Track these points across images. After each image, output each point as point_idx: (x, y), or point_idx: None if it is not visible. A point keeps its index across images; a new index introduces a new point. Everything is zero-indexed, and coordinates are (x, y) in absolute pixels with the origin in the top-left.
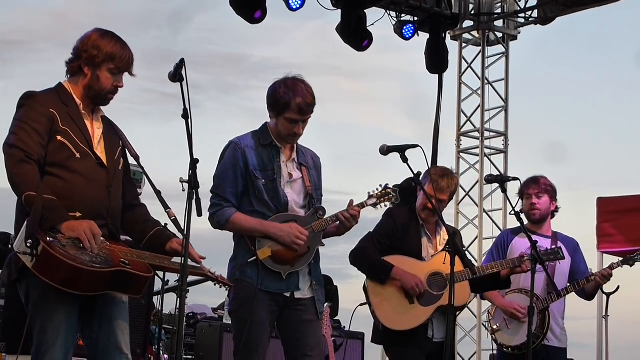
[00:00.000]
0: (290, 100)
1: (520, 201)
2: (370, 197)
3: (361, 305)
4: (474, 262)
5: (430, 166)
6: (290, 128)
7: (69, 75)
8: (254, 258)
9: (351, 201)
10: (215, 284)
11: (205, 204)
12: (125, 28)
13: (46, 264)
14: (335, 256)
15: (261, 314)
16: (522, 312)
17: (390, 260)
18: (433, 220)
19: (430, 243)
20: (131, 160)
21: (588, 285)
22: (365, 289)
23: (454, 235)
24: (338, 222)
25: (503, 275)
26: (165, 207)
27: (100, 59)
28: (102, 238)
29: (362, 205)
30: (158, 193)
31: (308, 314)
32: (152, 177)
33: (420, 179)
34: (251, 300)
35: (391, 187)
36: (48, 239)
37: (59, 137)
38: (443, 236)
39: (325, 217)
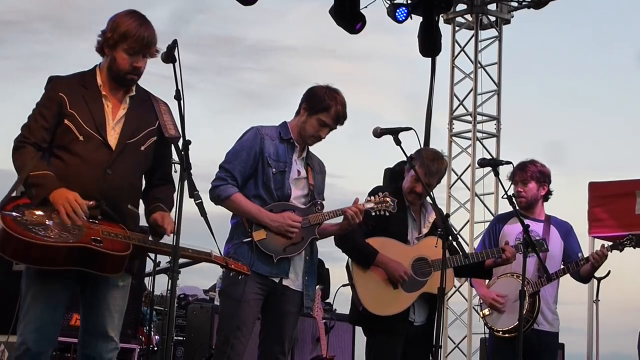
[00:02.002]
0: (332, 105)
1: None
2: (368, 201)
3: (343, 286)
4: (465, 246)
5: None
6: (318, 130)
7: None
8: (249, 239)
9: (356, 199)
10: (227, 272)
11: (198, 185)
12: (120, 9)
13: (1, 237)
14: (326, 239)
15: (251, 294)
16: (501, 301)
17: (375, 243)
18: (419, 203)
19: (414, 226)
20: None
21: (583, 267)
22: (348, 268)
23: (447, 217)
24: (338, 223)
25: (487, 264)
26: (191, 190)
27: (115, 39)
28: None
29: (361, 207)
30: (189, 175)
31: (291, 305)
32: None
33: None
34: (241, 280)
35: (390, 197)
36: (13, 213)
37: (65, 121)
38: (429, 219)
39: (324, 211)
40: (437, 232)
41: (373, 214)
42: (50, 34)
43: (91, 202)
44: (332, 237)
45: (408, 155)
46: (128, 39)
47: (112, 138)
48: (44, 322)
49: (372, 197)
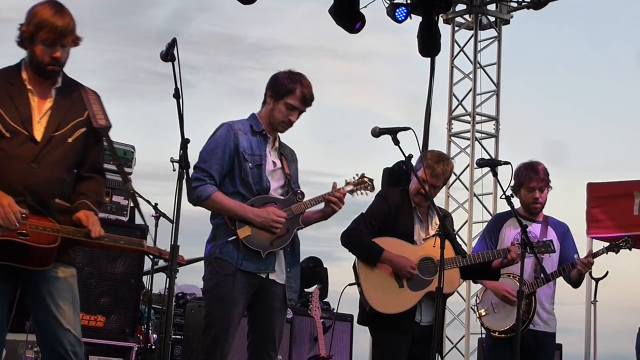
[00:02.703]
0: (295, 87)
1: (514, 187)
2: (347, 183)
3: (350, 285)
4: (463, 246)
5: (421, 149)
6: (287, 114)
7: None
8: (234, 237)
9: (334, 184)
10: (152, 258)
11: None
12: (121, 7)
13: None
14: (325, 238)
15: (237, 294)
16: (514, 294)
17: (381, 243)
18: (425, 204)
19: (421, 227)
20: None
21: (573, 272)
22: (355, 268)
23: (445, 218)
24: (321, 209)
25: (495, 266)
26: (125, 180)
27: (31, 32)
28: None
29: (342, 191)
30: (119, 165)
31: (277, 301)
32: (144, 157)
33: (415, 162)
34: (229, 279)
35: (367, 176)
36: None
37: None
38: (435, 220)
39: (305, 200)
40: (437, 232)
41: (353, 195)
42: None
43: (24, 212)
44: (331, 238)
45: (407, 155)
46: (43, 29)
47: (38, 132)
48: None
49: (350, 180)
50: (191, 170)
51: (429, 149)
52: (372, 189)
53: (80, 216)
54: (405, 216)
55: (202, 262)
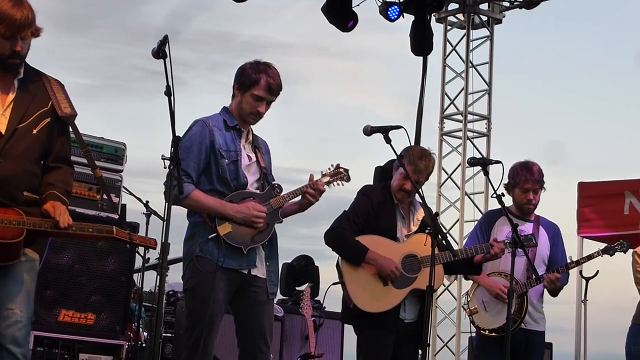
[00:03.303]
0: (260, 78)
1: (507, 185)
2: (323, 175)
3: (334, 284)
4: (454, 244)
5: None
6: (255, 106)
7: None
8: (215, 235)
9: (311, 176)
10: (129, 246)
11: None
12: (115, 4)
13: None
14: (316, 237)
15: (219, 291)
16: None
17: (364, 240)
18: (407, 200)
19: (404, 224)
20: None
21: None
22: (338, 267)
23: (437, 216)
24: (298, 200)
25: (477, 260)
26: (93, 167)
27: None
28: None
29: (319, 184)
30: (87, 153)
31: (262, 295)
32: (136, 154)
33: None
34: (210, 278)
35: (343, 167)
36: None
37: None
38: (417, 217)
39: (283, 193)
40: (426, 230)
41: (330, 187)
42: (47, 32)
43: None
44: (322, 236)
45: (399, 154)
46: (1, 23)
47: (2, 125)
48: None
49: (326, 171)
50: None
51: (412, 145)
52: (348, 179)
53: (48, 207)
54: (388, 213)
55: None
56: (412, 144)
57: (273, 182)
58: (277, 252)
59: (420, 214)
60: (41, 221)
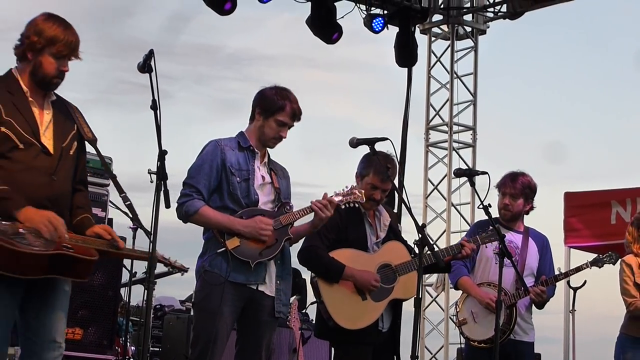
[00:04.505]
0: (286, 104)
1: (498, 195)
2: (336, 194)
3: (312, 304)
4: None
5: (399, 159)
6: (278, 131)
7: (18, 62)
8: (223, 249)
9: (325, 195)
10: (169, 269)
11: (174, 196)
12: (101, 18)
13: None
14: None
15: (226, 306)
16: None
17: (338, 256)
18: (372, 207)
19: (372, 231)
20: (89, 147)
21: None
22: (314, 284)
23: (424, 228)
24: (310, 221)
25: (446, 260)
26: (120, 191)
27: (42, 44)
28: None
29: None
30: (113, 177)
31: (265, 314)
32: (123, 168)
33: (361, 167)
34: (217, 292)
35: (357, 189)
36: None
37: (2, 129)
38: (383, 221)
39: (293, 211)
40: (396, 237)
41: (343, 206)
42: None
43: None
44: (297, 257)
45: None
46: (56, 43)
47: (48, 144)
48: (3, 336)
49: (340, 190)
50: (170, 183)
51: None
52: (363, 199)
53: (99, 231)
54: (356, 223)
55: (179, 273)
56: (398, 155)
57: (284, 200)
58: (289, 272)
59: (385, 218)
60: (104, 242)
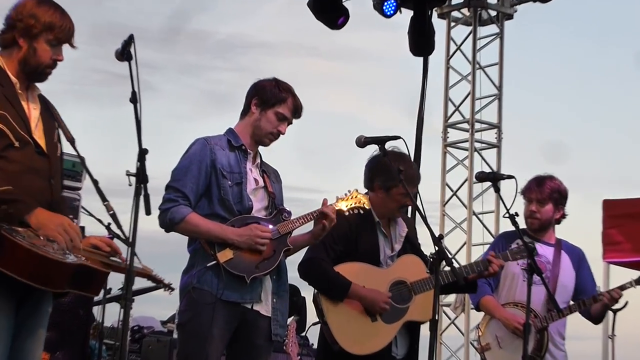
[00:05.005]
0: (288, 97)
1: (523, 202)
2: (338, 200)
3: (314, 324)
4: None
5: (413, 160)
6: (276, 125)
7: (0, 49)
8: (214, 262)
9: (325, 200)
10: (164, 289)
11: (156, 201)
12: None
13: (12, 255)
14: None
15: (215, 328)
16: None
17: (344, 270)
18: (387, 217)
19: (386, 243)
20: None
21: (594, 306)
22: (316, 302)
23: (441, 239)
24: (310, 230)
25: (469, 279)
26: (103, 199)
27: (38, 29)
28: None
29: (333, 208)
30: (95, 182)
31: (261, 337)
32: (99, 169)
33: (378, 175)
34: (207, 312)
35: (361, 192)
36: (5, 227)
37: None
38: (400, 232)
39: (292, 218)
40: (413, 250)
41: (347, 213)
42: None
43: None
44: (298, 270)
45: (396, 168)
46: (55, 29)
47: (42, 143)
48: (5, 353)
49: (343, 196)
50: (151, 186)
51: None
52: (368, 205)
53: (97, 242)
54: (368, 233)
55: (162, 290)
56: (412, 156)
57: (281, 207)
58: (286, 289)
59: (402, 227)
60: (101, 255)
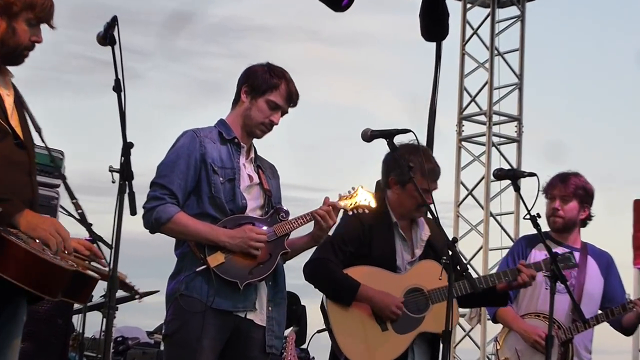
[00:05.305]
0: (280, 82)
1: (545, 201)
2: (341, 198)
3: (319, 332)
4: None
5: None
6: (268, 114)
7: None
8: (204, 267)
9: (326, 199)
10: (136, 298)
11: (142, 199)
12: None
13: (15, 260)
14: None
15: (207, 339)
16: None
17: (354, 273)
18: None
19: (405, 247)
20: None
21: (626, 316)
22: (323, 309)
23: (455, 242)
24: (310, 232)
25: (499, 289)
26: (72, 197)
27: (19, 7)
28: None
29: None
30: (63, 178)
31: (255, 349)
32: (78, 165)
33: (385, 162)
34: (196, 321)
35: (366, 189)
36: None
37: None
38: (421, 236)
39: (290, 218)
40: (435, 256)
41: (350, 212)
42: None
43: None
44: (303, 272)
45: (406, 164)
46: (35, 7)
47: (19, 133)
48: None
49: (345, 194)
50: (136, 183)
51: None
52: (374, 205)
53: (76, 246)
54: (384, 236)
55: (147, 297)
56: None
57: (278, 205)
58: (284, 297)
59: (425, 232)
60: (80, 261)
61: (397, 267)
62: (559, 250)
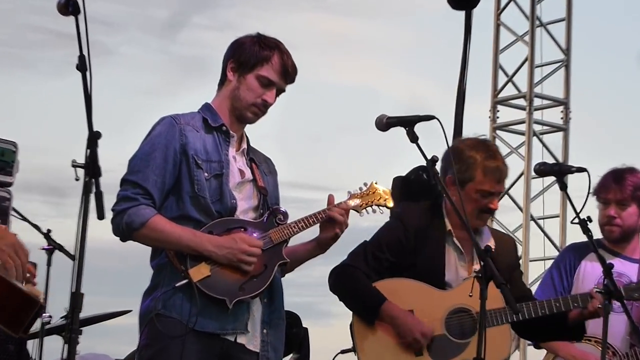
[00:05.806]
0: (272, 55)
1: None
2: (351, 196)
3: (343, 352)
4: None
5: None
6: (260, 93)
7: None
8: (185, 281)
9: (330, 197)
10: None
11: (112, 200)
12: None
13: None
14: (305, 284)
15: None
16: None
17: (386, 287)
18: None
19: (461, 261)
20: None
21: None
22: (352, 328)
23: (488, 252)
24: (314, 238)
25: (572, 318)
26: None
27: None
28: None
29: (345, 206)
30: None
31: None
32: (33, 160)
33: (444, 157)
34: (175, 346)
35: (381, 186)
36: None
37: None
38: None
39: (289, 222)
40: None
41: (361, 214)
42: None
43: None
44: (323, 281)
45: (429, 157)
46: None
47: None
48: None
49: (356, 191)
50: (105, 181)
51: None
52: (391, 203)
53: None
54: (433, 245)
55: (121, 317)
56: (449, 141)
57: (275, 206)
58: (281, 317)
59: (490, 245)
60: None
61: (445, 283)
62: (616, 262)
